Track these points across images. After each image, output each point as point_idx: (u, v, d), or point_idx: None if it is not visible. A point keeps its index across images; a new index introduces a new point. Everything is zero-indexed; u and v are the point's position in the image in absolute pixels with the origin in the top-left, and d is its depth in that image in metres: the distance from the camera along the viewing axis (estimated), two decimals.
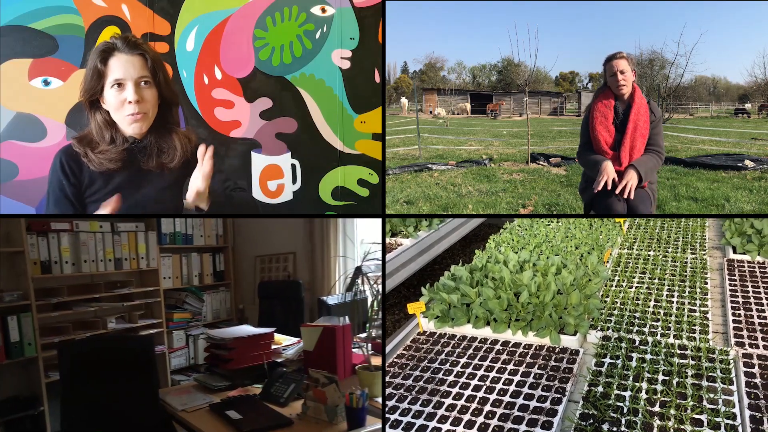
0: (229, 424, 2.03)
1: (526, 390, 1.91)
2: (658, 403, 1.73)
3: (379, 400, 2.16)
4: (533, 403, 1.82)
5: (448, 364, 2.15)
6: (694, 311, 2.43)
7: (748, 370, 1.91)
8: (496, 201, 5.18)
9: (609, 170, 2.33)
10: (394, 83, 20.41)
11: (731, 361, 1.96)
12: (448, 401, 1.88)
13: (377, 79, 2.85)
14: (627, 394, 1.79)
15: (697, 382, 1.83)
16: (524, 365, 2.08)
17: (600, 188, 2.32)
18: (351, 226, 4.32)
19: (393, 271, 3.16)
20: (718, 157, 7.02)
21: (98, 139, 2.02)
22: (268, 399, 2.26)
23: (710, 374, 1.87)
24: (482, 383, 1.98)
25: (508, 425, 1.72)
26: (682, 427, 1.62)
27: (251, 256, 4.88)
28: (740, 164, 6.35)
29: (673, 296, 2.61)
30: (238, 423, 2.02)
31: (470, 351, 2.24)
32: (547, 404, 1.81)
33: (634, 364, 1.98)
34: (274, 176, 2.85)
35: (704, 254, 3.17)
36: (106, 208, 1.96)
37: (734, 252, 3.13)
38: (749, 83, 18.21)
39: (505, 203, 5.11)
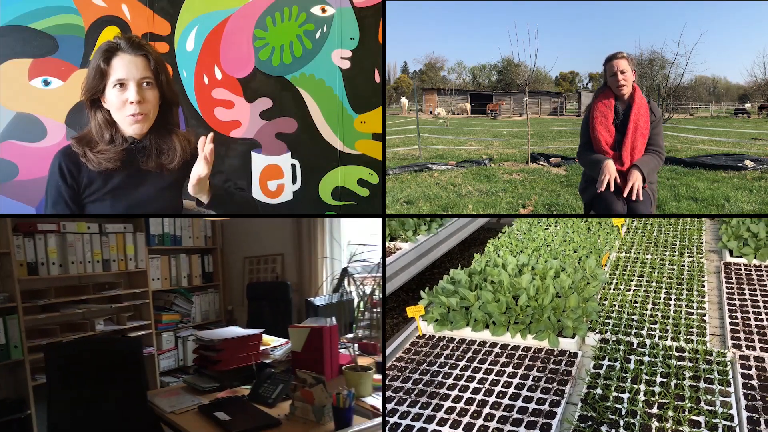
0: (218, 426, 2.03)
1: (524, 392, 1.91)
2: (656, 405, 1.74)
3: (367, 399, 2.18)
4: (532, 406, 1.82)
5: (447, 366, 2.15)
6: (692, 314, 2.44)
7: (744, 371, 1.92)
8: (496, 201, 5.18)
9: (611, 169, 2.32)
10: (394, 83, 20.37)
11: (728, 363, 1.97)
12: (447, 404, 1.88)
13: (377, 79, 2.85)
14: (625, 396, 1.80)
15: (694, 384, 1.84)
16: (523, 368, 2.09)
17: (603, 188, 2.30)
18: (338, 227, 4.32)
19: (392, 274, 3.16)
20: (718, 157, 7.02)
21: (98, 139, 2.02)
22: (257, 400, 2.26)
23: (708, 376, 1.88)
24: (481, 386, 1.98)
25: (507, 427, 1.72)
26: (680, 428, 1.63)
27: (240, 257, 4.87)
28: (740, 164, 6.35)
29: (670, 299, 2.61)
30: (227, 424, 2.02)
31: (469, 354, 2.24)
32: (545, 406, 1.81)
33: (632, 366, 1.98)
34: (274, 176, 2.85)
35: (701, 257, 3.17)
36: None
37: (731, 255, 3.14)
38: (749, 83, 18.19)
39: (505, 203, 5.11)
